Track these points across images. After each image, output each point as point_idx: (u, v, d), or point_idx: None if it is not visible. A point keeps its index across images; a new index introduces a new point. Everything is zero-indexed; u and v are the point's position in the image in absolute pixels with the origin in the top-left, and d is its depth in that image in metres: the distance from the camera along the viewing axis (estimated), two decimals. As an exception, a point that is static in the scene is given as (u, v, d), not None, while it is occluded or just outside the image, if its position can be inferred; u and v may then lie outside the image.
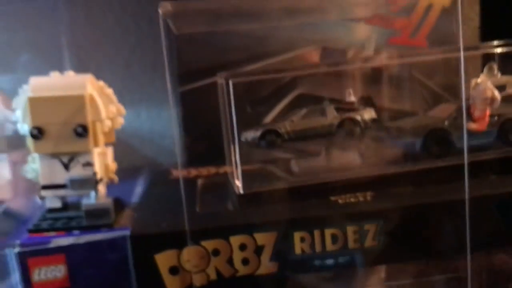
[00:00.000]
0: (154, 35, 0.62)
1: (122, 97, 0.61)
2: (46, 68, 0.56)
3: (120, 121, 0.41)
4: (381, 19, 0.51)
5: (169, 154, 0.65)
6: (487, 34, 0.64)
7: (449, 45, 0.37)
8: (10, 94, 0.43)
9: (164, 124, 0.65)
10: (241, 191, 0.32)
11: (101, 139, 0.39)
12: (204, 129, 0.41)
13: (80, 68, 0.62)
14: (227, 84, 0.32)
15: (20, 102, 0.38)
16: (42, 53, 0.58)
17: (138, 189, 0.48)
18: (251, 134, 0.35)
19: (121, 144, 0.48)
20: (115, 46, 0.62)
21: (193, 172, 0.42)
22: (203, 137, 0.43)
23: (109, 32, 0.62)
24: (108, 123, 0.39)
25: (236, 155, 0.32)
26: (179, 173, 0.45)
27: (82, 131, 0.37)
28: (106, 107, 0.39)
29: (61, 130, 0.37)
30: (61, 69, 0.61)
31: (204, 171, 0.43)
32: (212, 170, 0.44)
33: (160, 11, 0.29)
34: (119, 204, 0.41)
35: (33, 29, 0.59)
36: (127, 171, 0.44)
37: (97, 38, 0.62)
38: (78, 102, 0.37)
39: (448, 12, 0.52)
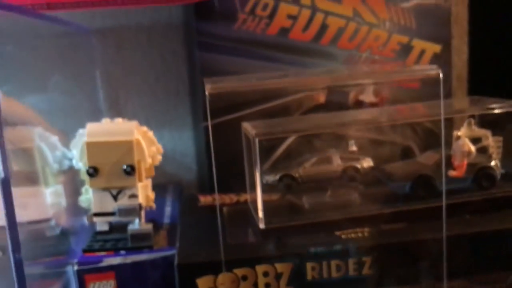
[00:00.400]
0: (176, 66, 0.70)
1: (148, 120, 0.70)
2: (82, 93, 0.63)
3: (159, 158, 0.48)
4: (380, 63, 0.58)
5: (188, 170, 0.73)
6: (476, 65, 0.71)
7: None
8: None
9: (184, 144, 0.72)
10: (263, 227, 0.40)
11: (144, 175, 0.46)
12: (225, 159, 0.48)
13: (111, 94, 0.70)
14: (254, 141, 0.40)
15: (77, 144, 0.46)
16: (78, 81, 0.65)
17: (168, 210, 0.56)
18: (271, 178, 0.42)
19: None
20: (142, 75, 0.70)
21: (218, 199, 0.50)
22: (224, 166, 0.50)
23: (137, 63, 0.69)
24: (149, 161, 0.46)
25: (259, 197, 0.40)
26: (206, 199, 0.52)
27: (130, 170, 0.44)
28: (149, 148, 0.46)
29: (112, 169, 0.44)
30: (95, 94, 0.69)
31: (227, 198, 0.51)
32: (234, 197, 0.51)
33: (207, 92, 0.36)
34: (154, 224, 0.49)
35: (71, 60, 0.66)
36: (154, 187, 0.51)
37: (127, 68, 0.69)
38: (127, 146, 0.44)
39: (438, 57, 0.60)
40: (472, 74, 0.73)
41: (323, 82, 0.40)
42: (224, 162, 0.47)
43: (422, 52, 0.59)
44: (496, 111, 0.42)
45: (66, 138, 0.49)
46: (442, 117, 0.38)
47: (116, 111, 0.70)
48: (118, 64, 0.69)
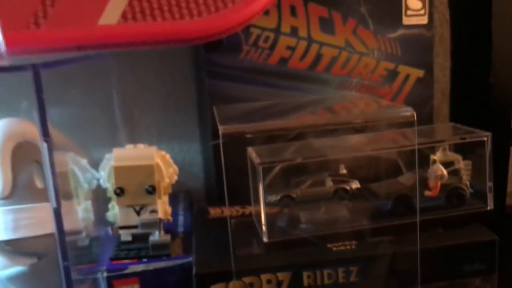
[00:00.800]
0: (185, 85, 0.77)
1: (159, 134, 0.77)
2: (100, 110, 0.70)
3: (175, 177, 0.55)
4: (369, 88, 0.65)
5: (196, 178, 0.80)
6: (458, 81, 0.78)
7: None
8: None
9: (192, 155, 0.79)
10: (266, 240, 0.47)
11: (163, 192, 0.53)
12: (231, 172, 0.54)
13: (126, 110, 0.77)
14: (258, 168, 0.47)
15: (105, 167, 0.53)
16: (96, 99, 0.72)
17: (181, 219, 0.63)
18: (272, 197, 0.50)
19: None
20: (154, 92, 0.76)
21: (226, 211, 0.57)
22: (230, 180, 0.57)
23: (150, 81, 0.76)
24: (167, 180, 0.54)
25: (263, 216, 0.47)
26: (215, 211, 0.60)
27: (151, 190, 0.52)
28: (167, 169, 0.54)
29: (136, 189, 0.52)
30: (111, 110, 0.75)
31: (233, 210, 0.58)
32: (239, 209, 0.59)
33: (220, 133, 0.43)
34: (170, 234, 0.56)
35: (89, 79, 0.72)
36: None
37: (140, 86, 0.76)
38: (148, 169, 0.52)
39: (421, 81, 0.67)
40: (454, 89, 0.80)
41: (320, 122, 0.47)
42: (230, 175, 0.54)
43: (407, 77, 0.66)
44: (463, 140, 0.49)
45: (90, 154, 0.56)
46: (416, 148, 0.46)
47: (131, 126, 0.77)
48: (132, 83, 0.75)
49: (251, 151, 0.50)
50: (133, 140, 0.73)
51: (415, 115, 0.44)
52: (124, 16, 0.50)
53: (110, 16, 0.50)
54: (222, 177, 0.48)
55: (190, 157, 0.79)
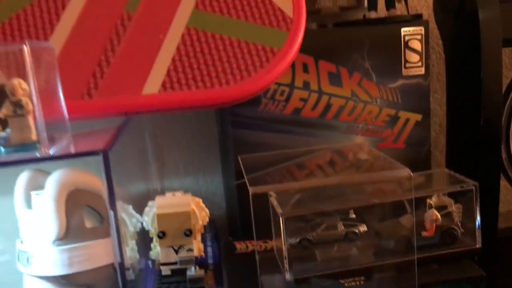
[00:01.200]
0: (208, 126, 0.86)
1: (186, 168, 0.86)
2: (134, 149, 0.79)
3: (207, 219, 0.64)
4: (373, 132, 0.74)
5: (218, 207, 0.89)
6: (454, 114, 0.86)
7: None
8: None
9: (215, 187, 0.88)
10: (289, 278, 0.56)
11: (197, 233, 0.62)
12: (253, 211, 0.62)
13: (157, 149, 0.86)
14: (281, 218, 0.56)
15: (149, 213, 0.62)
16: (131, 139, 0.80)
17: (209, 250, 0.72)
18: (292, 240, 0.59)
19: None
20: (181, 133, 0.85)
21: (250, 246, 0.66)
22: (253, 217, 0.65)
23: (177, 123, 0.85)
24: (201, 223, 0.63)
25: (285, 258, 0.56)
26: (241, 246, 0.68)
27: (188, 233, 0.61)
28: (200, 213, 0.62)
29: (176, 232, 0.61)
30: (144, 149, 0.84)
31: (257, 245, 0.67)
32: (262, 244, 0.67)
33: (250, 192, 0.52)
34: (201, 264, 0.65)
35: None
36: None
37: (168, 127, 0.85)
38: (186, 215, 0.60)
39: (420, 124, 0.75)
40: (449, 121, 0.88)
41: (332, 182, 0.55)
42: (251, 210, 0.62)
43: (407, 121, 0.74)
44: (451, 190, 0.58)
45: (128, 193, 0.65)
46: (413, 198, 0.54)
47: (160, 162, 0.86)
48: (162, 126, 0.84)
49: (272, 200, 0.58)
50: (163, 175, 0.83)
51: (411, 175, 0.53)
52: (163, 85, 0.59)
53: (152, 86, 0.59)
54: (245, 214, 0.56)
55: (213, 188, 0.88)
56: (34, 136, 0.46)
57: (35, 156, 0.43)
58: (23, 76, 0.47)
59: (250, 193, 0.53)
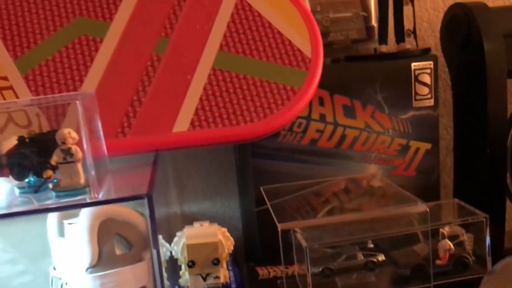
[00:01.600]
0: (226, 153, 0.89)
1: (204, 192, 0.90)
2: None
3: (232, 248, 0.68)
4: (385, 160, 0.78)
5: (235, 229, 0.93)
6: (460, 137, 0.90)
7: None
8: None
9: (232, 210, 0.92)
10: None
11: (224, 261, 0.66)
12: (274, 237, 0.66)
13: (177, 174, 0.90)
14: (305, 250, 0.59)
15: (178, 243, 0.66)
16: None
17: (231, 274, 0.76)
18: (315, 269, 0.63)
19: (203, 224, 0.75)
20: (199, 160, 0.89)
21: (272, 272, 0.70)
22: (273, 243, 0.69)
23: (196, 151, 0.89)
24: (227, 251, 0.66)
25: (310, 284, 0.60)
26: (263, 272, 0.72)
27: (216, 262, 0.64)
28: (226, 242, 0.66)
29: (204, 262, 0.64)
30: (165, 174, 0.88)
31: (278, 271, 0.71)
32: (283, 269, 0.71)
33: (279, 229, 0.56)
34: (225, 288, 0.69)
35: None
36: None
37: (188, 154, 0.89)
38: (214, 246, 0.64)
39: (429, 152, 0.79)
40: (456, 147, 0.92)
41: (354, 218, 0.60)
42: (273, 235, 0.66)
43: (417, 150, 0.78)
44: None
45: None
46: (429, 228, 0.58)
47: (180, 187, 0.90)
48: (182, 153, 0.88)
49: (297, 231, 0.62)
50: (182, 200, 0.87)
51: (428, 210, 0.57)
52: (192, 124, 0.63)
53: (182, 124, 0.63)
54: (266, 240, 0.59)
55: (230, 211, 0.92)
56: (82, 181, 0.49)
57: (85, 200, 0.47)
58: (71, 123, 0.51)
59: (280, 230, 0.56)
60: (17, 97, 0.63)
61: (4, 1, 0.67)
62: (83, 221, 0.67)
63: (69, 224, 0.70)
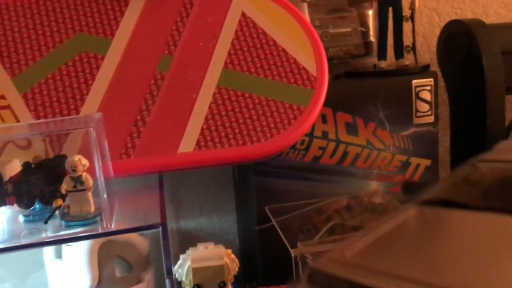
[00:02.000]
0: (223, 169, 0.88)
1: (200, 209, 0.88)
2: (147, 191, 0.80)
3: (237, 269, 0.67)
4: (386, 177, 0.78)
5: (231, 244, 0.91)
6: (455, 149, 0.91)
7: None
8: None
9: (229, 225, 0.91)
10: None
11: (229, 282, 0.65)
12: (276, 256, 0.66)
13: (173, 190, 0.88)
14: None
15: (183, 266, 0.64)
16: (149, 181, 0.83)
17: (232, 293, 0.75)
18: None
19: (200, 239, 0.75)
20: (197, 174, 0.88)
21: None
22: (275, 262, 0.69)
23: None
24: (232, 273, 0.65)
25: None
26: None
27: (222, 285, 0.63)
28: (231, 264, 0.65)
29: (210, 285, 0.63)
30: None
31: (282, 292, 0.70)
32: (286, 289, 0.70)
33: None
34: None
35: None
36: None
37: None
38: (220, 268, 0.63)
39: (429, 168, 0.80)
40: (453, 157, 0.93)
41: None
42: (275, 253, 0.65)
43: (417, 166, 0.79)
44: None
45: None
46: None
47: (176, 203, 0.88)
48: (178, 168, 0.87)
49: (307, 257, 0.62)
50: (179, 216, 0.85)
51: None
52: (198, 144, 0.62)
53: (187, 144, 0.62)
54: (267, 259, 0.59)
55: (226, 226, 0.91)
56: (92, 209, 0.48)
57: (98, 231, 0.45)
58: (73, 145, 0.49)
59: (292, 255, 0.56)
60: (16, 116, 0.61)
61: (0, 16, 0.65)
62: (82, 242, 0.65)
63: (68, 245, 0.68)
